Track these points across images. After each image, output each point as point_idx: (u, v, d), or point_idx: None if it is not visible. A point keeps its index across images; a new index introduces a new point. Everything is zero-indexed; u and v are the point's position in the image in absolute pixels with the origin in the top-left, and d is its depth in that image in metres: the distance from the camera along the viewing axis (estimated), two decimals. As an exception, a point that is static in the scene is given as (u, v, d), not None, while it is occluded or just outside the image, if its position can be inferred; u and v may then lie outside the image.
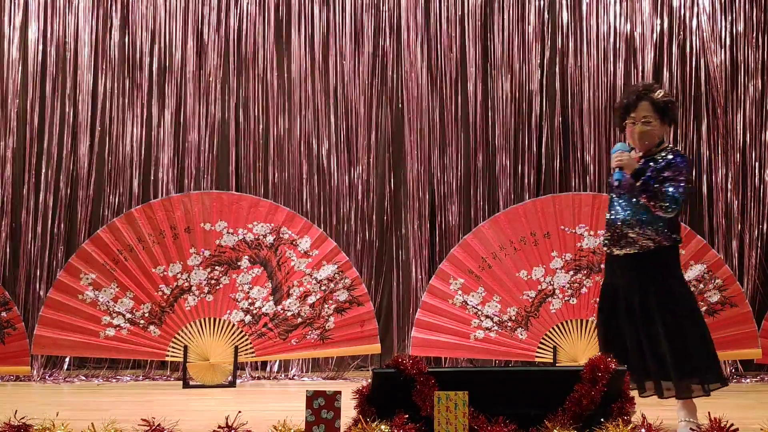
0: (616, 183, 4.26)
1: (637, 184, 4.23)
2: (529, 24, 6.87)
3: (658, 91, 4.35)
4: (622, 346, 4.29)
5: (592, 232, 6.20)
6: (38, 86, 6.81)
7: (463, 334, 6.18)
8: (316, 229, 6.33)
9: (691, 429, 4.10)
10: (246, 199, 6.38)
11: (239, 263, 6.24)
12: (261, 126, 6.88)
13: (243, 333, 6.19)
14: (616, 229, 4.32)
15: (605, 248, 4.42)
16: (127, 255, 6.17)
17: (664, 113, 4.34)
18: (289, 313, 6.23)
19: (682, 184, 4.25)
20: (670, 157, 4.30)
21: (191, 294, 6.20)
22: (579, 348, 6.14)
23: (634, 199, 4.29)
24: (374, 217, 6.84)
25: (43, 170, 6.76)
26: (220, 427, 3.52)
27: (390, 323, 6.76)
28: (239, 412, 3.60)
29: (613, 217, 4.36)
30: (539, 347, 6.16)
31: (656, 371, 4.24)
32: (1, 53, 6.80)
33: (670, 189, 4.21)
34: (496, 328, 6.15)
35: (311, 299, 6.23)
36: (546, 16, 6.89)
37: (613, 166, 4.29)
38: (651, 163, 4.31)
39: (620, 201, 4.34)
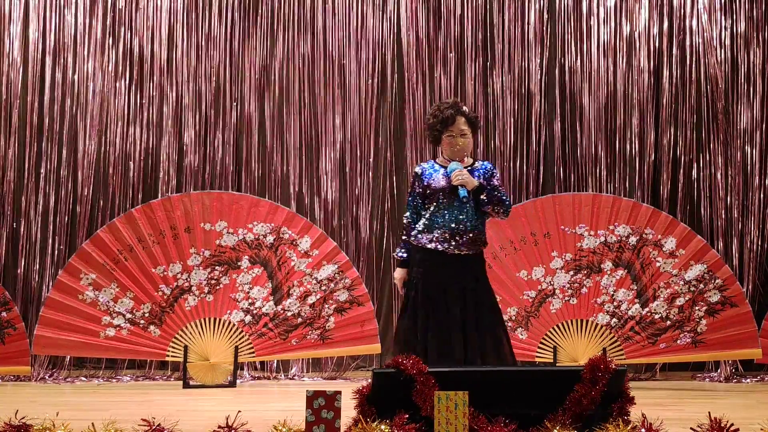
0: (464, 200, 4.54)
1: (482, 196, 4.59)
2: (529, 24, 6.87)
3: (464, 107, 4.74)
4: (425, 341, 4.52)
5: (592, 232, 6.20)
6: (38, 86, 6.82)
7: (463, 334, 6.17)
8: (316, 229, 6.33)
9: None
10: (246, 199, 6.38)
11: (239, 263, 6.24)
12: (261, 126, 6.88)
13: (243, 333, 6.19)
14: (459, 233, 4.57)
15: (441, 247, 4.58)
16: (127, 255, 6.17)
17: (474, 127, 4.77)
18: (289, 313, 6.23)
19: (504, 190, 4.78)
20: (489, 166, 4.76)
21: (191, 294, 6.20)
22: (579, 348, 6.14)
23: (469, 206, 4.61)
24: (375, 216, 6.84)
25: (43, 170, 6.76)
26: (220, 427, 3.52)
27: (390, 323, 6.75)
28: (239, 412, 3.60)
29: (457, 220, 4.59)
30: (539, 347, 6.16)
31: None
32: (1, 53, 6.80)
33: (504, 196, 4.68)
34: (496, 328, 6.14)
35: (311, 299, 6.23)
36: (546, 16, 6.89)
37: (454, 184, 4.56)
38: (475, 174, 4.67)
39: (462, 207, 4.60)
